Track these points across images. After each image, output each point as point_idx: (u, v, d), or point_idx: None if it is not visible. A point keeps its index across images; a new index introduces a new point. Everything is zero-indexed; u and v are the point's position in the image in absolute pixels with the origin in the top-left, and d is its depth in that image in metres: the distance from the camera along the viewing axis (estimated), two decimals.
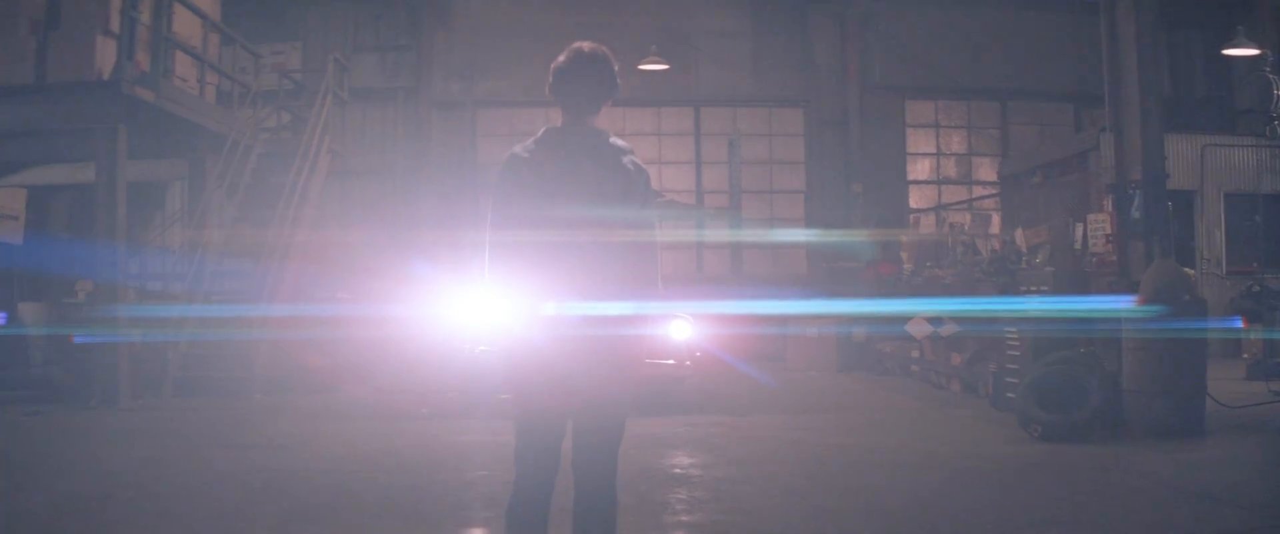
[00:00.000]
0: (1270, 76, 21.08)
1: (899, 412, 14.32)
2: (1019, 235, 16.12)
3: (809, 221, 24.86)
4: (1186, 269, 13.01)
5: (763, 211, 24.96)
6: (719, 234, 24.56)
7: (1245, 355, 16.73)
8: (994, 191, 24.62)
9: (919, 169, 25.51)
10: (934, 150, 25.57)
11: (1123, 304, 11.80)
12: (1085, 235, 14.48)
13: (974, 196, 24.96)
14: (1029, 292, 13.70)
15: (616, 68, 5.49)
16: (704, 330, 15.23)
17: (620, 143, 5.43)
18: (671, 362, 14.00)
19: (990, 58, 25.21)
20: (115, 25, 14.54)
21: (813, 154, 25.02)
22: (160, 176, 20.77)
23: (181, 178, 19.90)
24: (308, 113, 19.42)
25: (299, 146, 18.65)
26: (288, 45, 23.62)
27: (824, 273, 23.09)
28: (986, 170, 25.54)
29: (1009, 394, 13.56)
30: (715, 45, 24.93)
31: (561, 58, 5.46)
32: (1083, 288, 13.34)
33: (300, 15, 24.33)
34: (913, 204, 25.21)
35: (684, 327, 14.15)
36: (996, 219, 19.12)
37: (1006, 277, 14.95)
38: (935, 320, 17.20)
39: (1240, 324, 16.37)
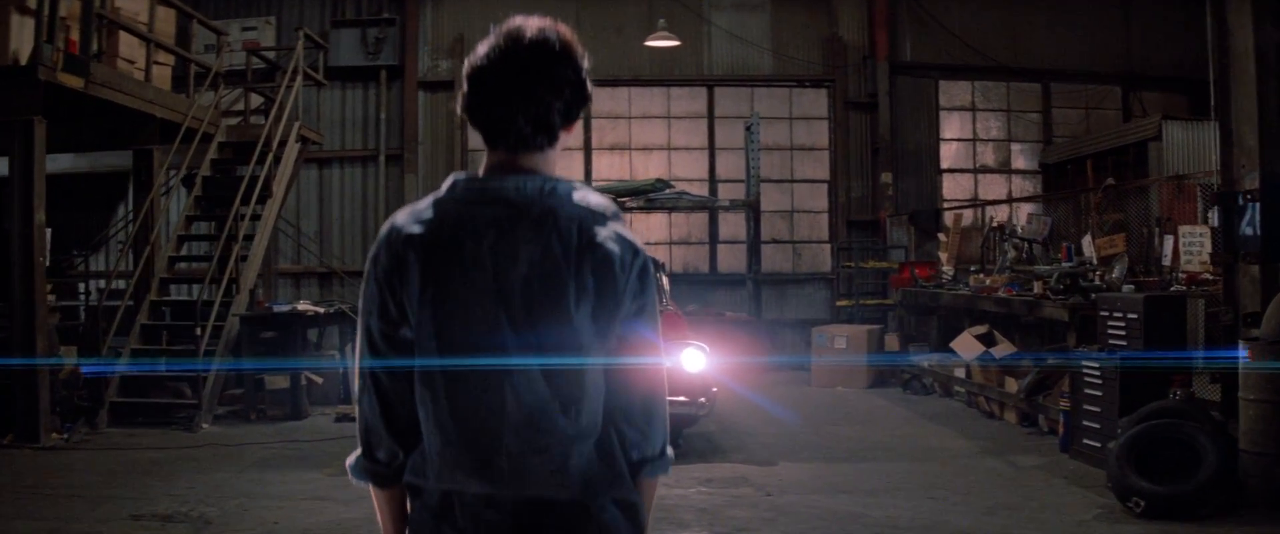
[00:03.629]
0: None
1: (953, 458, 12.12)
2: (1087, 244, 13.93)
3: (833, 214, 22.70)
4: None
5: (783, 202, 22.77)
6: (735, 227, 22.48)
7: None
8: (1036, 192, 22.51)
9: (954, 156, 23.30)
10: (970, 135, 23.33)
11: (1240, 359, 9.62)
12: (1176, 250, 12.31)
13: (1027, 196, 22.72)
14: (1114, 333, 11.42)
15: (584, 62, 3.08)
16: (721, 358, 13.10)
17: (596, 202, 3.04)
18: (684, 399, 11.87)
19: (1031, 34, 22.98)
20: (33, 1, 12.40)
21: (838, 139, 22.76)
22: (125, 167, 18.70)
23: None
24: (288, 96, 17.35)
25: (262, 133, 16.54)
26: (260, 20, 21.51)
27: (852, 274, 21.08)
28: (1026, 158, 23.37)
29: (1086, 441, 11.44)
30: (730, 19, 22.72)
31: (480, 49, 3.05)
32: (1177, 318, 11.10)
33: None
34: (946, 194, 23.03)
35: (698, 357, 12.00)
36: (1044, 222, 16.88)
37: (1079, 296, 12.73)
38: (986, 338, 15.06)
39: None
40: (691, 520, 9.37)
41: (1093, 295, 12.51)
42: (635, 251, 3.01)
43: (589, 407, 2.97)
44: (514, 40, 2.98)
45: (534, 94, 2.96)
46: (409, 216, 3.03)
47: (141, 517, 9.45)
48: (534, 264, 2.91)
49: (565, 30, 3.04)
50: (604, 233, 2.96)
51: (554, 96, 2.98)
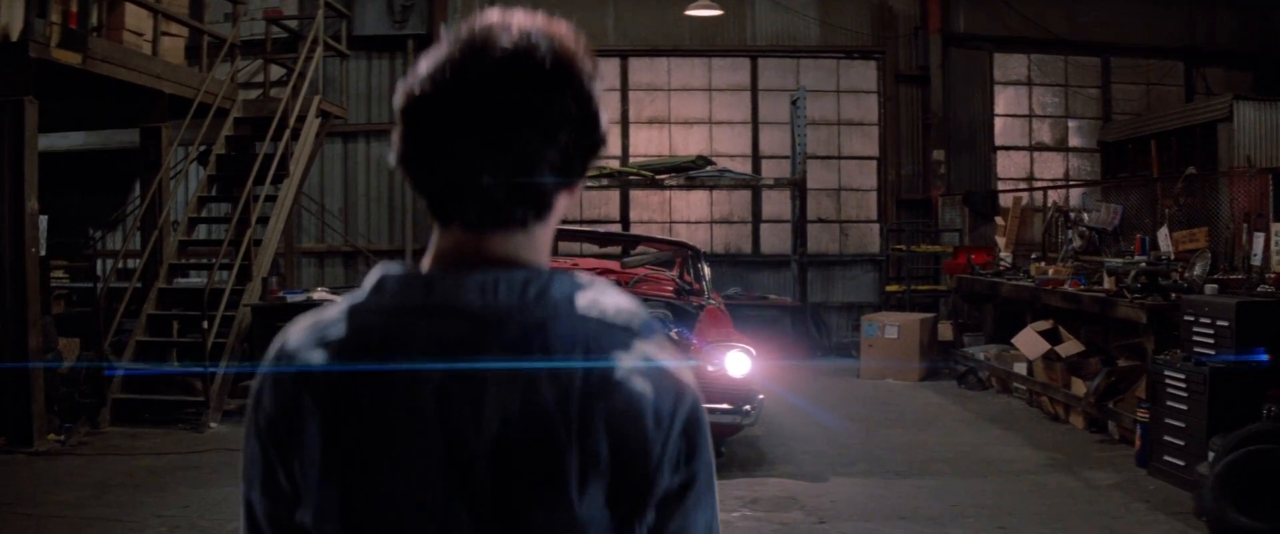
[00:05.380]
0: None
1: (1020, 474, 11.07)
2: (1164, 236, 12.85)
3: (882, 192, 21.65)
4: None
5: (829, 180, 21.72)
6: (779, 206, 21.47)
7: None
8: (1093, 171, 21.47)
9: (1008, 133, 22.17)
10: (1025, 111, 22.20)
11: None
12: (1268, 248, 11.24)
13: (1094, 180, 21.65)
14: (1201, 340, 10.34)
15: (595, 85, 1.94)
16: (766, 355, 12.12)
17: (612, 309, 1.92)
18: (727, 406, 10.91)
19: (1089, 5, 21.78)
20: None
21: (888, 114, 21.67)
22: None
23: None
24: (307, 68, 16.45)
25: (280, 107, 15.62)
26: None
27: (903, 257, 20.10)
28: (1083, 136, 22.25)
29: (1168, 457, 10.41)
30: None
31: (423, 65, 1.90)
32: (1274, 325, 10.02)
33: None
34: (1000, 172, 21.94)
35: (743, 360, 11.00)
36: (1114, 210, 15.75)
37: (1158, 296, 11.66)
38: (1051, 334, 14.02)
39: None
40: None
41: (1173, 296, 11.46)
42: (678, 392, 1.87)
43: None
44: (479, 51, 1.84)
45: (511, 139, 1.83)
46: (308, 334, 1.93)
47: None
48: (510, 422, 1.79)
49: (564, 32, 1.93)
50: (627, 363, 1.84)
51: (544, 142, 1.85)
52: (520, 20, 1.88)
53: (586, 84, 1.90)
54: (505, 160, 1.83)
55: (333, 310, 1.93)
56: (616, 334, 1.87)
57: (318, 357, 1.87)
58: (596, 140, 1.93)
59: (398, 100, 1.90)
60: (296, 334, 1.95)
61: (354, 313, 1.90)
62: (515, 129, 1.82)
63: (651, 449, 1.83)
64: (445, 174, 1.87)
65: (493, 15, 1.89)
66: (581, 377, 1.80)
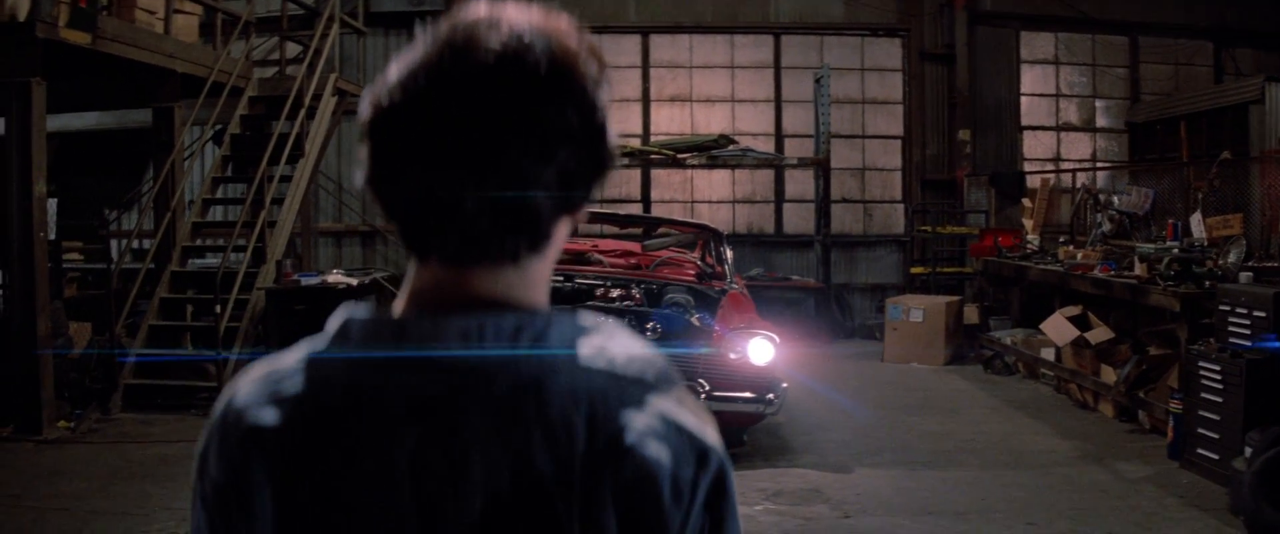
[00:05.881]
0: None
1: (1049, 466, 10.75)
2: (1196, 222, 12.54)
3: (907, 172, 21.33)
4: None
5: (853, 159, 21.39)
6: (802, 185, 21.13)
7: None
8: (1120, 152, 21.12)
9: (1034, 113, 21.80)
10: (1053, 91, 21.82)
11: None
12: None
13: (1123, 163, 21.28)
14: (1238, 330, 10.05)
15: (602, 91, 1.61)
16: (789, 341, 11.87)
17: (622, 358, 1.60)
18: (749, 395, 10.67)
19: None
20: None
21: (913, 93, 21.33)
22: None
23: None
24: (324, 45, 16.22)
25: (296, 86, 15.38)
26: None
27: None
28: (1110, 116, 21.86)
29: (1202, 451, 10.13)
30: None
31: (393, 71, 1.60)
32: None
33: None
34: (1026, 153, 21.59)
35: (766, 348, 10.74)
36: (1145, 194, 15.35)
37: (1192, 283, 11.36)
38: (1079, 320, 13.72)
39: None
40: None
41: (1207, 284, 11.16)
42: (701, 457, 1.58)
43: None
44: (460, 53, 1.55)
45: (498, 158, 1.53)
46: (259, 388, 1.63)
47: None
48: (499, 497, 1.51)
49: (565, 29, 1.61)
50: (640, 424, 1.54)
51: (538, 161, 1.55)
52: (512, 15, 1.58)
53: (591, 92, 1.59)
54: (491, 183, 1.53)
55: (289, 359, 1.64)
56: (627, 388, 1.57)
57: (269, 416, 1.58)
58: (603, 157, 1.62)
59: (363, 111, 1.61)
60: (247, 388, 1.64)
61: (313, 363, 1.60)
62: (503, 147, 1.52)
63: (669, 526, 1.54)
64: (420, 200, 1.56)
65: (479, 8, 1.59)
66: (585, 441, 1.51)
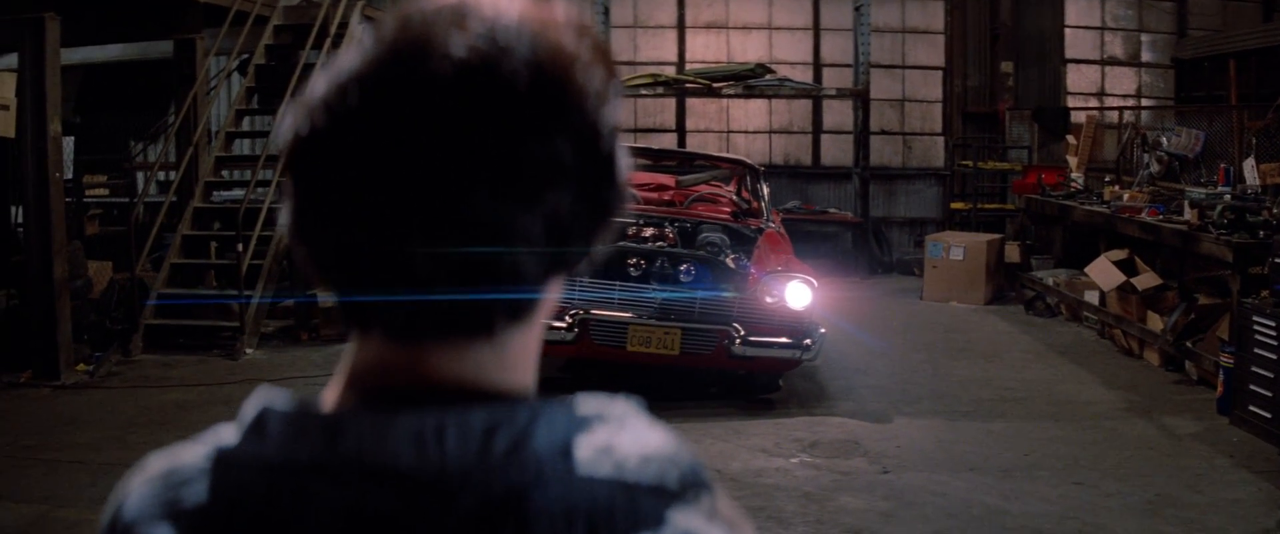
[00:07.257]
0: None
1: (1096, 418, 10.38)
2: (1249, 168, 12.09)
3: (948, 104, 20.85)
4: None
5: (893, 90, 20.91)
6: (840, 116, 20.67)
7: None
8: (1166, 88, 20.59)
9: (1078, 46, 21.24)
10: (1098, 23, 21.25)
11: None
12: None
13: (1172, 104, 20.76)
14: None
15: (607, 108, 1.15)
16: (826, 282, 11.53)
17: (634, 462, 1.10)
18: (785, 340, 10.34)
19: None
20: None
21: (954, 23, 20.80)
22: None
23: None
24: None
25: (322, 14, 15.01)
26: None
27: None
28: (1155, 51, 21.28)
29: (1253, 407, 9.75)
30: None
31: (319, 83, 1.14)
32: None
33: None
34: (1069, 86, 21.07)
35: (803, 291, 10.40)
36: (1196, 136, 14.76)
37: (1246, 232, 10.94)
38: (1125, 264, 13.32)
39: None
40: (794, 514, 7.84)
41: (1261, 233, 10.74)
42: None
43: None
44: (409, 63, 1.10)
45: (460, 203, 1.09)
46: (154, 496, 1.16)
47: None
48: None
49: (557, 23, 1.16)
50: None
51: (518, 207, 1.11)
52: (486, 3, 1.15)
53: (591, 111, 1.15)
54: (450, 237, 1.10)
55: (192, 455, 1.17)
56: (641, 501, 1.09)
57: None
58: (609, 198, 1.19)
59: (282, 138, 1.18)
60: (138, 495, 1.17)
61: (222, 465, 1.14)
62: (466, 190, 1.09)
63: None
64: (354, 256, 1.14)
65: (436, 2, 1.15)
66: None
